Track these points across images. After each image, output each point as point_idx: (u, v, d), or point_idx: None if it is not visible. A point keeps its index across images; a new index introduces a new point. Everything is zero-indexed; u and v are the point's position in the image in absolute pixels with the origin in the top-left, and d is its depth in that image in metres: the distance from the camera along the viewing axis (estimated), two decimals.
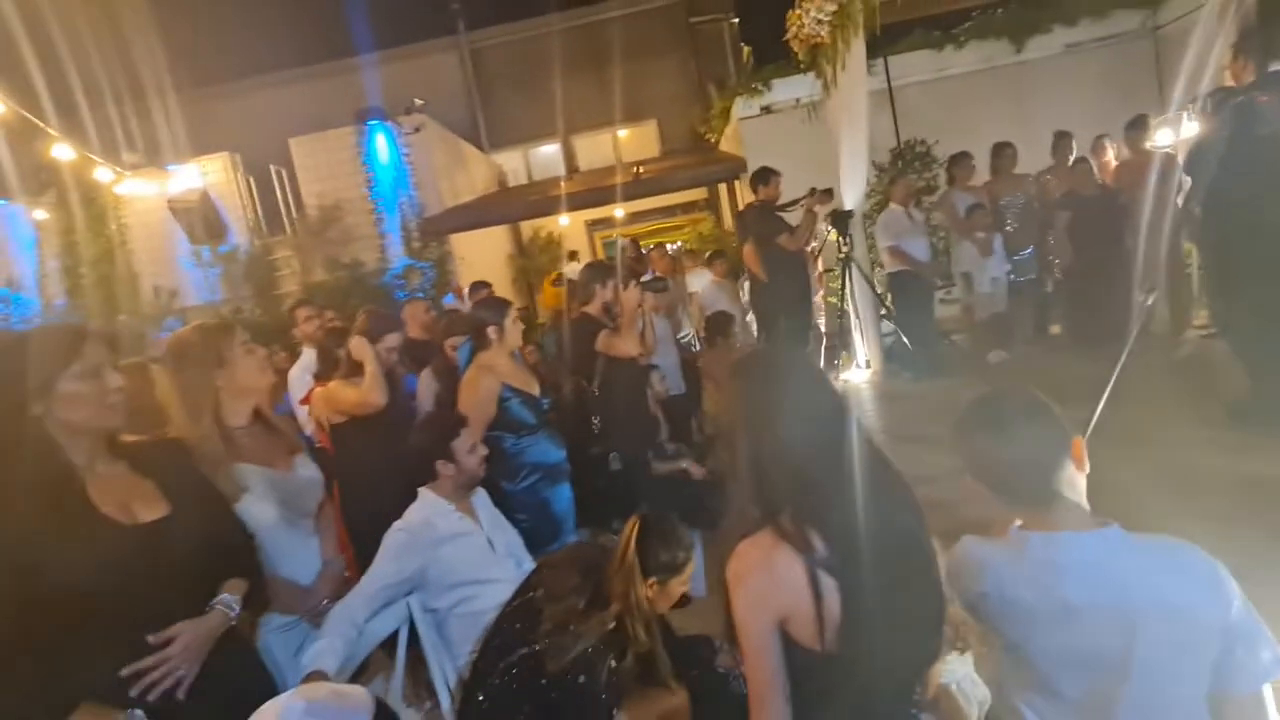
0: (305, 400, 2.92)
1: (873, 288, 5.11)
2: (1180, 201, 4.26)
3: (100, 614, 1.13)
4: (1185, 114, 4.69)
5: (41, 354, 1.15)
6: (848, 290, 4.98)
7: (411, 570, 1.90)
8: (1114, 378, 1.98)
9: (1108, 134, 5.07)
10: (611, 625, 1.50)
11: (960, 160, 5.12)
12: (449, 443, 2.05)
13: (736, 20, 12.76)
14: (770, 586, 0.98)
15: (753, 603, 0.99)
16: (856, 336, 5.27)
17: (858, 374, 5.27)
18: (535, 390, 2.82)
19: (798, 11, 4.68)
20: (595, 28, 12.98)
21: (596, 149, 13.80)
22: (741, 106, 8.48)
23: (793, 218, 4.85)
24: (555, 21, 13.02)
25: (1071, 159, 5.05)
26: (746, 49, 12.82)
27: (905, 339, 4.94)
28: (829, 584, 0.94)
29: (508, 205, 11.55)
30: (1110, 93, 7.12)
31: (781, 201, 4.74)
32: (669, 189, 10.50)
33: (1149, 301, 2.17)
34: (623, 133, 13.67)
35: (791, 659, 0.99)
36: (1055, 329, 5.55)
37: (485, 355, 2.72)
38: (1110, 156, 5.00)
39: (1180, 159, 4.30)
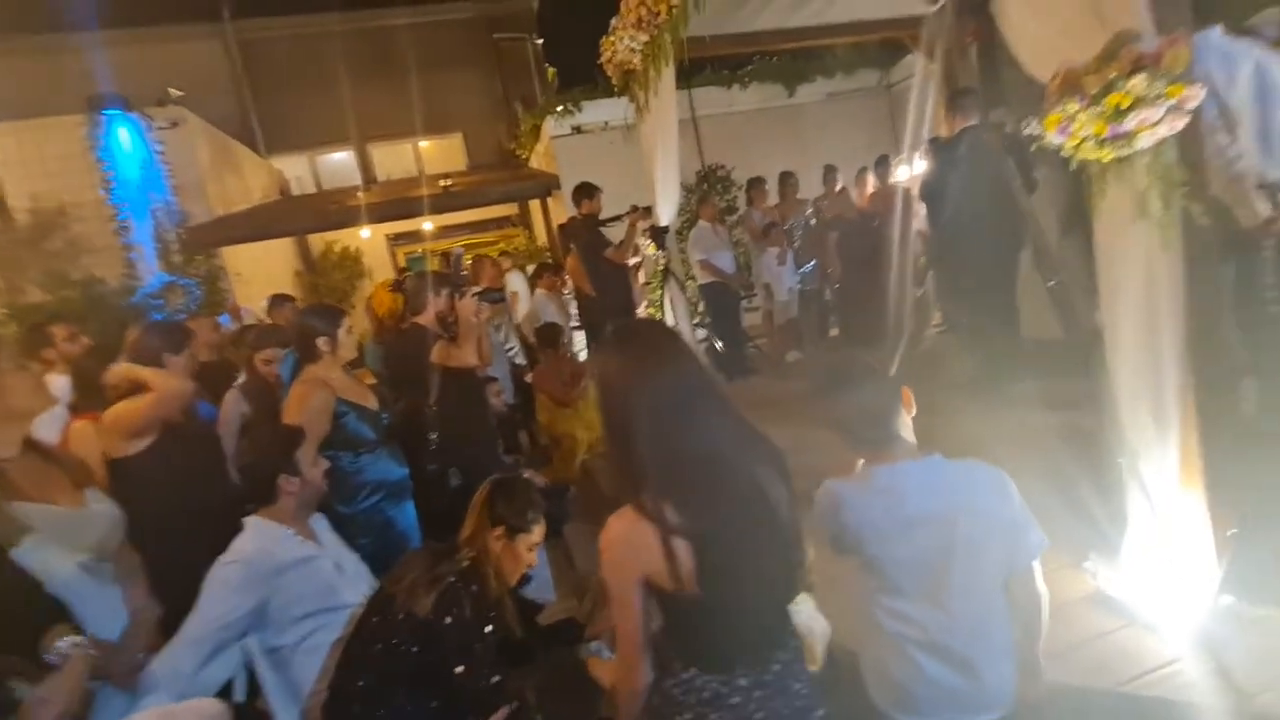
0: (64, 439, 2.33)
1: (691, 300, 5.53)
2: (918, 225, 5.31)
3: None
4: (916, 155, 5.88)
5: None
6: (666, 301, 5.32)
7: (250, 606, 1.64)
8: (895, 365, 2.41)
9: (867, 167, 6.11)
10: (465, 563, 1.52)
11: (757, 184, 5.81)
12: (291, 456, 1.82)
13: (541, 41, 12.99)
14: (629, 554, 1.09)
15: (616, 568, 1.11)
16: None
17: None
18: (372, 404, 2.61)
19: (611, 39, 4.94)
20: (390, 32, 12.30)
21: (395, 159, 13.04)
22: (553, 125, 8.66)
23: (614, 233, 5.08)
24: (342, 21, 12.09)
25: (838, 188, 6.01)
26: (551, 70, 13.14)
27: (717, 343, 5.42)
28: (682, 544, 1.05)
29: (296, 216, 10.39)
30: (861, 134, 8.72)
31: (603, 216, 4.94)
32: (483, 202, 10.27)
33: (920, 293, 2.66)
34: (425, 144, 13.12)
35: (665, 603, 1.11)
36: (834, 331, 6.50)
37: (315, 368, 2.45)
38: (869, 187, 6.03)
39: (915, 191, 5.39)
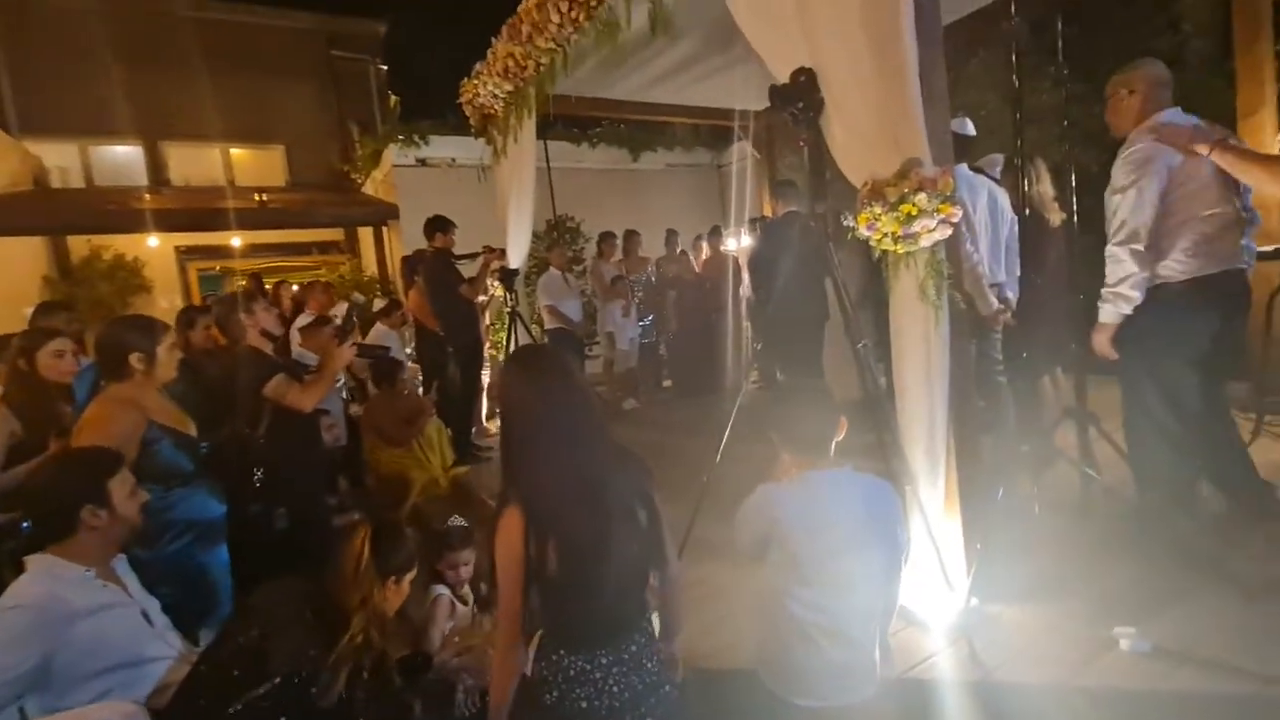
0: None
1: (535, 341, 5.61)
2: (744, 290, 6.00)
3: None
4: (742, 229, 6.68)
5: None
6: (512, 342, 5.35)
7: (33, 662, 1.37)
8: (734, 414, 2.74)
9: (702, 235, 6.77)
10: (360, 639, 1.46)
11: (607, 239, 6.14)
12: (104, 483, 1.57)
13: (385, 68, 12.56)
14: (515, 541, 1.26)
15: (504, 554, 1.27)
16: None
17: None
18: (191, 429, 2.32)
19: (473, 82, 5.03)
20: (212, 26, 11.08)
21: (194, 163, 11.54)
22: (396, 154, 8.40)
23: (463, 270, 5.05)
24: (153, 3, 10.70)
25: (678, 250, 6.57)
26: (395, 98, 12.72)
27: None
28: (552, 535, 1.25)
29: (58, 211, 8.72)
30: (694, 204, 9.66)
31: (456, 253, 4.89)
32: (309, 224, 9.47)
33: (758, 347, 3.04)
34: (238, 151, 11.83)
35: (541, 589, 1.29)
36: (667, 383, 6.96)
37: (123, 388, 2.13)
38: (704, 253, 6.67)
39: (742, 260, 6.11)
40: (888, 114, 2.04)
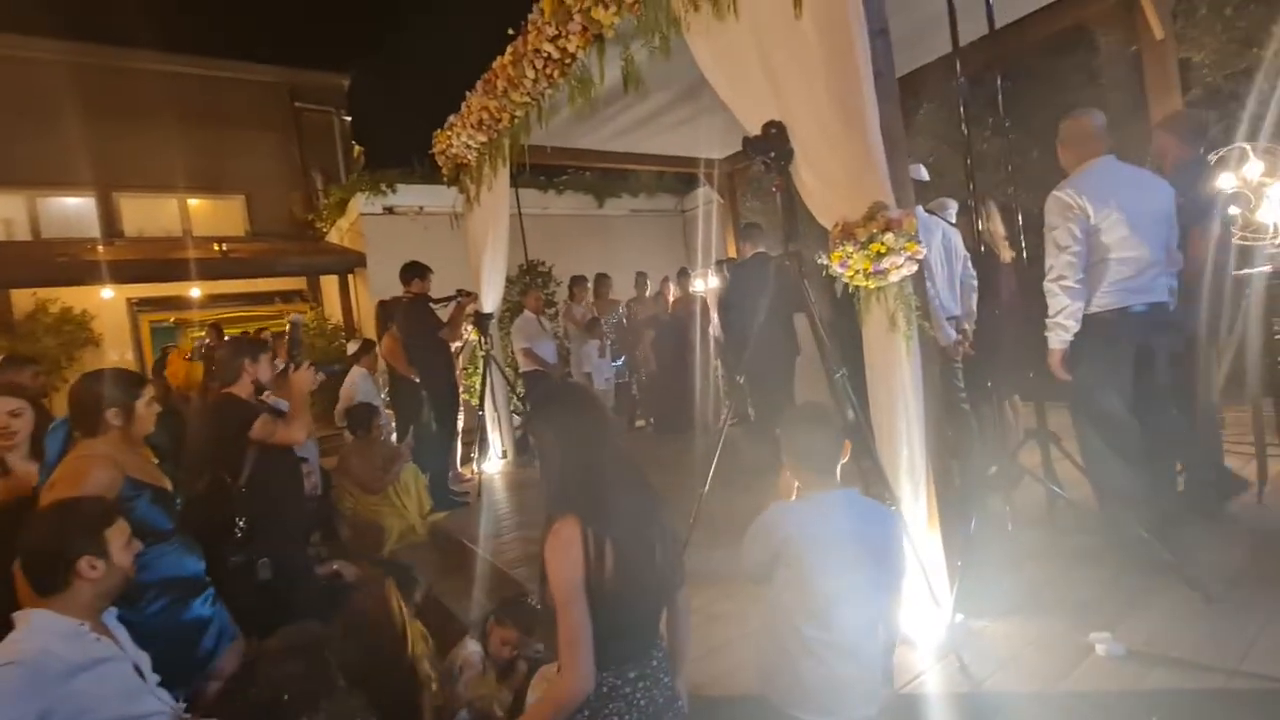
0: None
1: (510, 385, 5.63)
2: (713, 330, 6.16)
3: None
4: (709, 271, 6.90)
5: None
6: (488, 387, 5.36)
7: (32, 718, 1.32)
8: (718, 450, 2.83)
9: (669, 277, 6.96)
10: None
11: (579, 282, 6.27)
12: (102, 533, 1.54)
13: (349, 119, 12.69)
14: (574, 554, 1.31)
15: (568, 566, 1.31)
16: (493, 431, 5.64)
17: (495, 464, 5.60)
18: (167, 484, 2.27)
19: (447, 133, 5.17)
20: (167, 78, 11.06)
21: (149, 214, 11.33)
22: (363, 202, 8.44)
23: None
24: (104, 55, 10.65)
25: (648, 293, 6.74)
26: (359, 148, 12.82)
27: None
28: (609, 545, 1.33)
29: (4, 263, 8.43)
30: (658, 247, 9.93)
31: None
32: (272, 273, 9.36)
33: (740, 380, 3.13)
34: (195, 202, 11.68)
35: (589, 596, 1.32)
36: (639, 422, 7.01)
37: (97, 443, 2.09)
38: (671, 294, 6.85)
39: (710, 300, 6.29)
40: (853, 161, 2.22)
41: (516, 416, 5.96)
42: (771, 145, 2.41)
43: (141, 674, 1.63)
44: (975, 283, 3.31)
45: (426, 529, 4.37)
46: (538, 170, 9.30)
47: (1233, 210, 2.56)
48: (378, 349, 5.19)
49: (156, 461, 2.41)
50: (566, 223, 9.40)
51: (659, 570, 1.41)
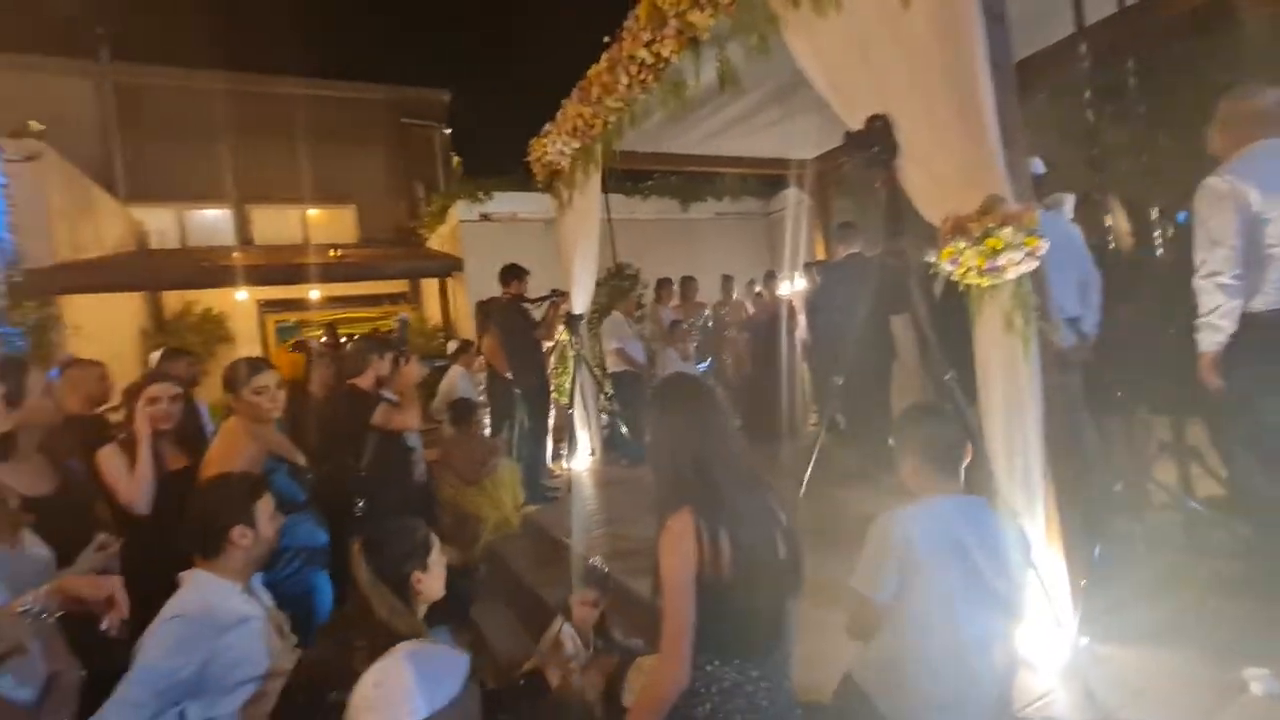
0: None
1: (600, 385, 5.75)
2: (799, 334, 6.03)
3: None
4: (796, 273, 6.76)
5: None
6: (577, 386, 5.50)
7: (193, 667, 1.49)
8: (815, 453, 2.77)
9: (755, 280, 6.88)
10: None
11: (665, 284, 6.32)
12: (252, 505, 1.72)
13: (449, 131, 13.42)
14: (688, 546, 1.31)
15: (678, 561, 1.31)
16: (582, 429, 5.78)
17: (584, 462, 5.74)
18: (301, 460, 2.50)
19: (543, 140, 5.37)
20: (292, 100, 12.15)
21: (275, 223, 12.48)
22: (463, 210, 8.89)
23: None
24: (236, 81, 11.81)
25: (735, 295, 6.69)
26: (456, 158, 13.54)
27: (623, 429, 5.63)
28: (725, 536, 1.32)
29: (158, 270, 9.50)
30: (742, 250, 9.85)
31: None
32: (379, 276, 10.05)
33: (839, 382, 3.06)
34: (314, 212, 12.73)
35: (701, 597, 1.32)
36: None
37: (242, 420, 2.34)
38: (758, 297, 6.77)
39: (797, 303, 6.16)
40: (966, 155, 2.12)
41: (604, 415, 6.08)
42: (875, 139, 2.34)
43: (282, 633, 1.80)
44: (1098, 282, 3.05)
45: (520, 520, 4.54)
46: (624, 175, 9.48)
47: None
48: (475, 348, 5.45)
49: None
50: (651, 227, 9.50)
51: (781, 569, 1.38)
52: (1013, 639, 1.57)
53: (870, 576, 1.55)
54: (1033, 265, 2.01)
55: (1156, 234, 2.71)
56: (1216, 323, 2.25)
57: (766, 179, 9.97)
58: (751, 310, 6.74)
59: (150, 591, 1.60)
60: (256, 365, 2.48)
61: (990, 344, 2.13)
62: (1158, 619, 2.14)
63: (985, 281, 2.06)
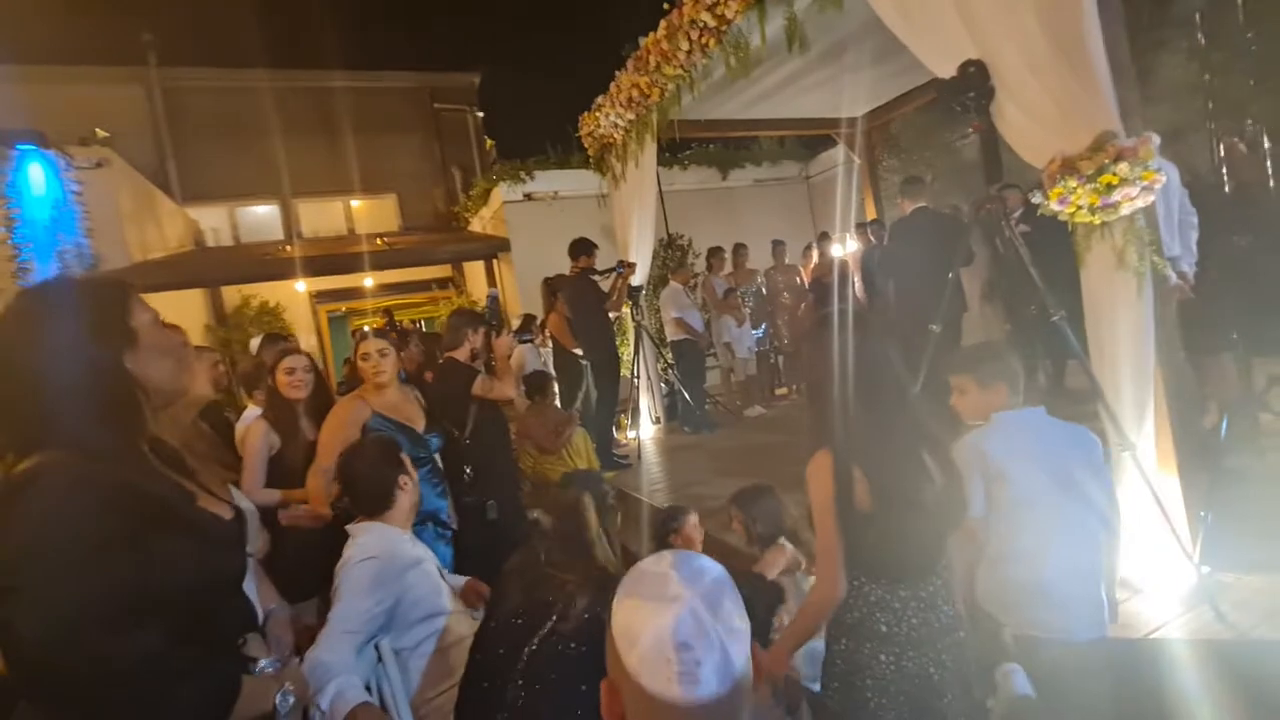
0: None
1: (662, 354, 5.84)
2: (856, 293, 5.99)
3: None
4: (848, 235, 6.70)
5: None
6: (641, 355, 5.60)
7: (389, 603, 1.65)
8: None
9: (812, 244, 6.85)
10: None
11: (717, 253, 6.34)
12: (402, 460, 1.88)
13: (481, 114, 13.48)
14: (822, 479, 1.42)
15: (818, 490, 1.43)
16: (644, 397, 5.89)
17: (648, 430, 5.86)
18: (419, 425, 2.63)
19: (595, 114, 5.40)
20: (328, 94, 12.33)
21: (321, 216, 12.78)
22: (505, 190, 8.99)
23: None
24: (276, 78, 12.03)
25: (785, 260, 6.68)
26: (490, 141, 13.62)
27: (688, 397, 5.72)
28: (859, 472, 1.40)
29: (218, 266, 9.86)
30: (783, 216, 9.76)
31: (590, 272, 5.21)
32: (427, 262, 10.25)
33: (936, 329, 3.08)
34: (357, 203, 12.99)
35: (847, 523, 1.41)
36: (780, 390, 7.00)
37: (361, 389, 2.52)
38: (814, 259, 6.75)
39: (852, 264, 6.12)
40: (1070, 92, 2.11)
41: (664, 385, 6.18)
42: (970, 85, 2.33)
43: (443, 575, 1.95)
44: (1195, 219, 3.00)
45: None
46: (662, 146, 9.43)
47: None
48: (540, 324, 5.58)
49: None
50: (692, 197, 9.46)
51: (933, 502, 1.43)
52: (1113, 549, 1.65)
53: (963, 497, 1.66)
54: (1149, 199, 2.01)
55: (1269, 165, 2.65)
56: None
57: (805, 141, 9.82)
58: (807, 275, 6.71)
59: None
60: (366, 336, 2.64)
61: (1101, 282, 2.15)
62: (1276, 547, 2.15)
63: (1098, 219, 2.07)
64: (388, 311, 8.95)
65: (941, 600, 1.44)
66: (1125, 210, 2.01)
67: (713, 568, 0.75)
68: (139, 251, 8.34)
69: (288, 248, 10.96)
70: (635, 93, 4.76)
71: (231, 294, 10.47)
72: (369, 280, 10.33)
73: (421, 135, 13.09)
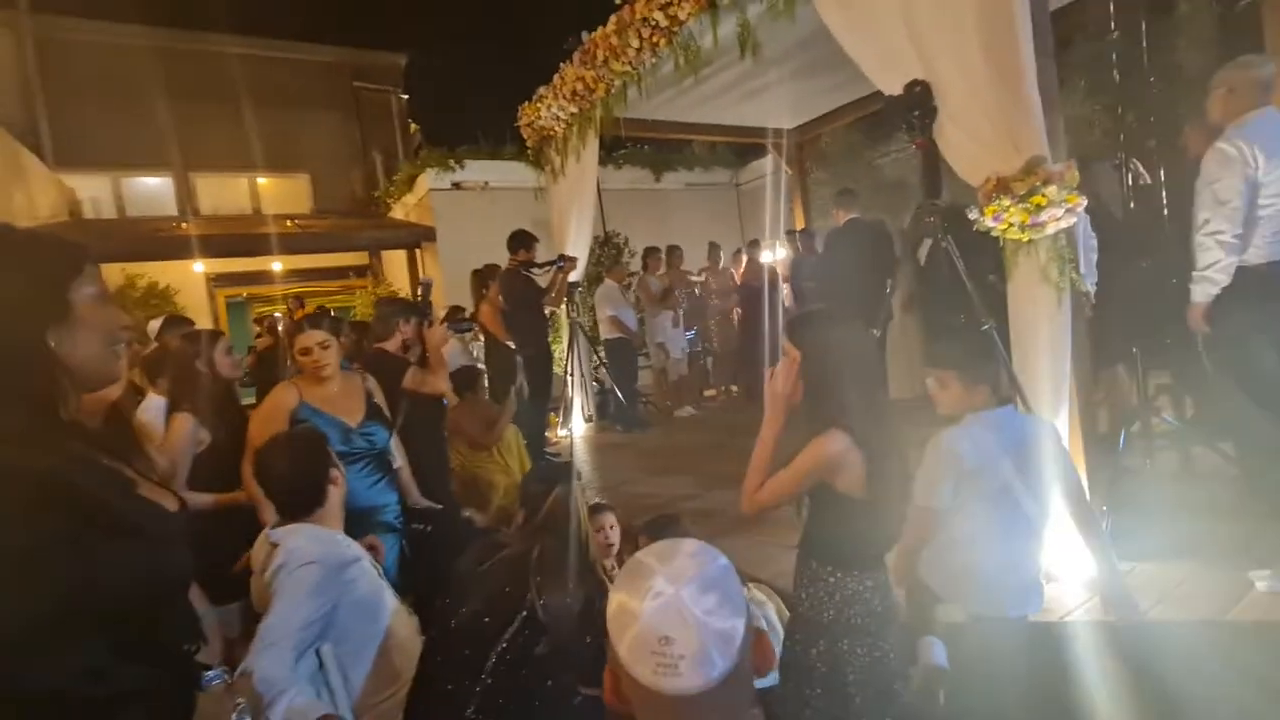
0: None
1: (596, 352, 5.80)
2: (784, 300, 6.21)
3: None
4: (777, 242, 6.92)
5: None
6: (575, 352, 5.54)
7: (329, 606, 1.53)
8: None
9: (741, 249, 7.01)
10: None
11: (653, 253, 6.37)
12: (329, 451, 1.76)
13: (406, 97, 12.90)
14: (828, 460, 1.44)
15: (814, 461, 1.45)
16: (577, 395, 5.84)
17: (580, 427, 5.80)
18: (353, 419, 2.45)
19: (536, 105, 5.29)
20: (236, 61, 11.37)
21: (223, 192, 11.79)
22: (432, 178, 8.64)
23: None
24: (175, 39, 11.01)
25: (719, 265, 6.81)
26: (414, 125, 13.05)
27: (620, 396, 5.72)
28: (859, 456, 1.43)
29: (101, 240, 8.86)
30: (714, 220, 9.96)
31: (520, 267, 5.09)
32: (350, 247, 9.66)
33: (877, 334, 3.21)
34: (264, 181, 12.08)
35: (835, 508, 1.46)
36: (709, 391, 7.14)
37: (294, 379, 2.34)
38: (744, 263, 6.92)
39: (781, 271, 6.33)
40: (1006, 117, 2.27)
41: (596, 383, 6.14)
42: (916, 104, 2.46)
43: (381, 575, 1.83)
44: (1095, 242, 3.30)
45: None
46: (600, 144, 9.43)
47: None
48: (470, 315, 5.38)
49: None
50: (625, 197, 9.43)
51: (901, 490, 1.51)
52: (1043, 530, 1.80)
53: (930, 489, 1.76)
54: (1072, 220, 2.19)
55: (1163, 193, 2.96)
56: (1214, 276, 2.49)
57: (736, 148, 10.05)
58: (738, 279, 6.88)
59: None
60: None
61: (1025, 296, 2.32)
62: (1169, 537, 2.40)
63: (1025, 237, 2.24)
64: (299, 298, 8.37)
65: (889, 583, 1.53)
66: (1050, 230, 2.19)
67: (708, 560, 0.74)
68: (2, 217, 7.37)
69: (183, 224, 10.04)
70: (580, 86, 4.70)
71: (114, 272, 9.44)
72: (276, 264, 9.60)
73: (340, 114, 12.34)
